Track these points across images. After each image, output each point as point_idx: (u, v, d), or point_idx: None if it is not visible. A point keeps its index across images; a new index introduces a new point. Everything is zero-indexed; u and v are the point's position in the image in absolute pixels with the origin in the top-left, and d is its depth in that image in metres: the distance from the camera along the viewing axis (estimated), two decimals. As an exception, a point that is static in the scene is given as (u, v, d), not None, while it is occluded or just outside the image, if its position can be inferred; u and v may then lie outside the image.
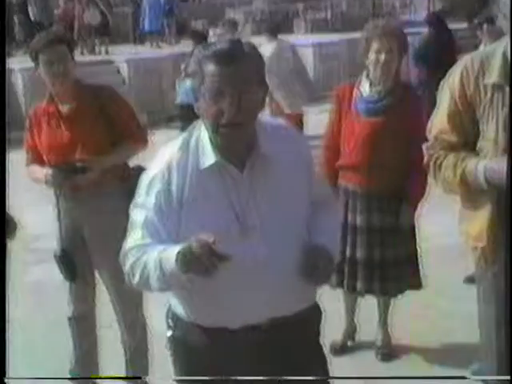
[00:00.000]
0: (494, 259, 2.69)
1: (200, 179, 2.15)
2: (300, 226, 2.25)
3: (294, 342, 2.29)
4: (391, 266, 3.92)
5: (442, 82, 2.72)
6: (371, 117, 3.81)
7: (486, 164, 2.51)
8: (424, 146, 2.83)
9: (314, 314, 2.39)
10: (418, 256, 4.04)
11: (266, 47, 8.85)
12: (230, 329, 2.21)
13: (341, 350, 4.23)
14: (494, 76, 2.54)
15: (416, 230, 4.02)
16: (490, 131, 2.55)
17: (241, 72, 2.06)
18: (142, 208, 2.20)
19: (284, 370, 2.27)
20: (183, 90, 9.42)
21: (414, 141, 3.63)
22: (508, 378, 2.73)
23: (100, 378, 3.81)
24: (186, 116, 8.49)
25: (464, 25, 16.42)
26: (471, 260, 2.81)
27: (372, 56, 3.75)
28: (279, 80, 8.83)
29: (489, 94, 2.55)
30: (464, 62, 2.64)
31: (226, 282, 2.13)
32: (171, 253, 2.06)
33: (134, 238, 2.21)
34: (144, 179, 2.23)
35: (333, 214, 2.44)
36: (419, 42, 9.14)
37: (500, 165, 2.46)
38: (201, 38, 9.67)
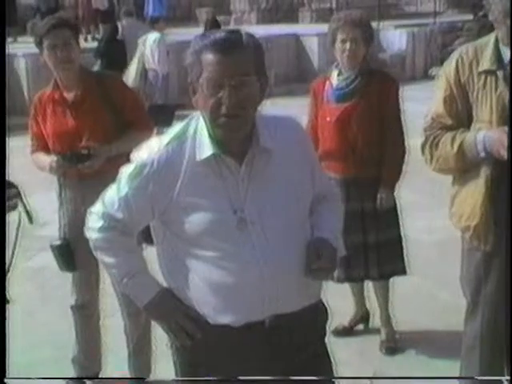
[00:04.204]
0: (486, 237, 2.81)
1: (196, 171, 2.09)
2: (302, 220, 2.22)
3: (298, 340, 2.23)
4: (372, 251, 3.94)
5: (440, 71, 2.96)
6: (340, 103, 3.91)
7: (486, 133, 2.67)
8: (422, 129, 2.97)
9: (319, 313, 2.33)
10: (402, 240, 4.06)
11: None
12: (233, 326, 2.16)
13: (344, 333, 4.25)
14: (486, 64, 2.75)
15: (398, 213, 4.04)
16: (485, 113, 2.74)
17: (240, 62, 2.01)
18: (126, 185, 2.17)
19: (287, 368, 2.22)
20: None
21: (385, 123, 3.85)
22: (508, 378, 2.77)
23: (104, 379, 3.80)
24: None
25: (470, 17, 16.37)
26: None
27: (338, 46, 3.86)
28: None
29: (482, 80, 2.76)
30: (459, 51, 2.87)
31: (226, 277, 2.11)
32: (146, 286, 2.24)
33: (107, 205, 2.22)
34: (134, 162, 2.17)
35: (335, 209, 2.39)
36: None
37: (498, 134, 2.61)
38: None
